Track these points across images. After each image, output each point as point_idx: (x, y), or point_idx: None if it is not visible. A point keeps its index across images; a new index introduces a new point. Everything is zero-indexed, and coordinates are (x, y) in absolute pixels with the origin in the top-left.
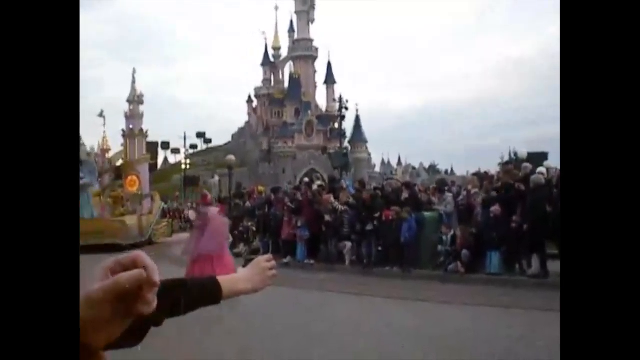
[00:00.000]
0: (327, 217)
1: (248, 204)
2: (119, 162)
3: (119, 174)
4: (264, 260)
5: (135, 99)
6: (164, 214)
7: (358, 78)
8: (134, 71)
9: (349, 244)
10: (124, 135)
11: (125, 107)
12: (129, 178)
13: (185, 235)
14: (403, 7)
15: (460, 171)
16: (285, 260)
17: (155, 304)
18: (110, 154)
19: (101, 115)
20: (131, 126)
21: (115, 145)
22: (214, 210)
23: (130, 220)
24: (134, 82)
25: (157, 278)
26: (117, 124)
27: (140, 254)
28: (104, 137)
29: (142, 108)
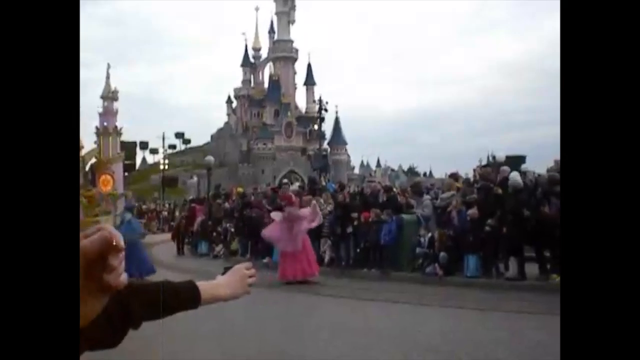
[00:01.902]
0: None
1: (226, 205)
2: (92, 161)
3: (92, 172)
4: (244, 268)
5: (110, 95)
6: (142, 214)
7: (338, 80)
8: (109, 66)
9: (328, 242)
10: (97, 133)
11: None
12: (103, 177)
13: (162, 237)
14: (390, 7)
15: (440, 174)
16: (264, 261)
17: (122, 273)
18: (83, 152)
19: None
20: (105, 123)
21: (89, 143)
22: (305, 211)
23: (105, 221)
24: (108, 77)
25: (122, 243)
26: (93, 121)
27: (104, 225)
28: None
29: (116, 105)
